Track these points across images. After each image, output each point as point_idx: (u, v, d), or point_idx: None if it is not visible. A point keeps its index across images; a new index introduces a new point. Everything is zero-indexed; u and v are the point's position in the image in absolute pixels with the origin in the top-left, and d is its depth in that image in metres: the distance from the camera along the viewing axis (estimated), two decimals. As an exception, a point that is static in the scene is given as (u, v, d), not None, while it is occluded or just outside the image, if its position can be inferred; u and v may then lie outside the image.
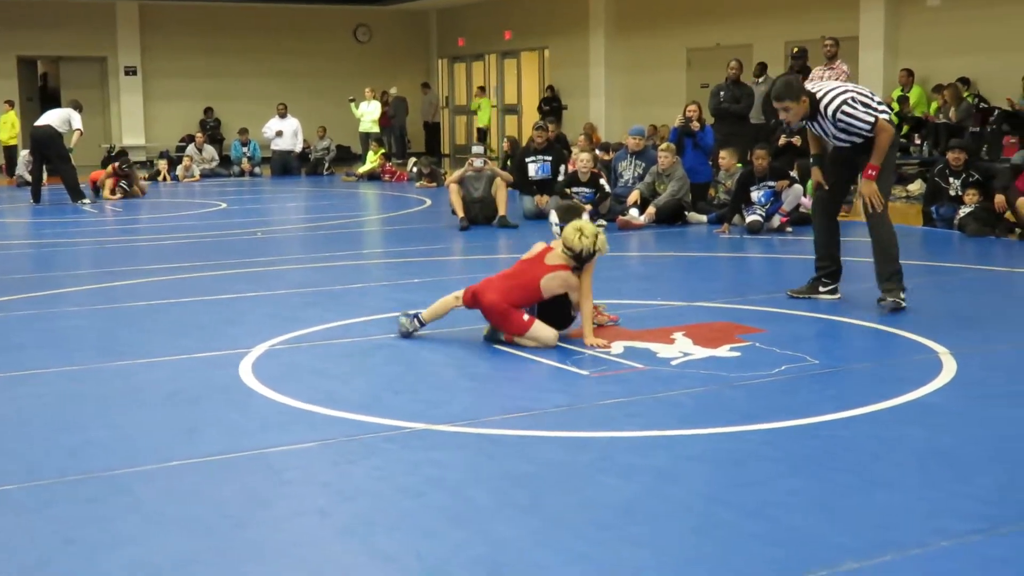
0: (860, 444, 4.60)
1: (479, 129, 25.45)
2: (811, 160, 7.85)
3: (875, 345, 6.60)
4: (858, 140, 7.29)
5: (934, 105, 16.44)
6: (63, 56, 25.97)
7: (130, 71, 26.14)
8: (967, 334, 6.63)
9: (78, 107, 17.33)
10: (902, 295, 7.22)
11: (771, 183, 11.78)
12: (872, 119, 7.14)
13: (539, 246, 6.72)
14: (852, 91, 7.27)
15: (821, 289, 7.68)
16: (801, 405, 5.16)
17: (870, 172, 7.19)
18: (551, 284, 6.42)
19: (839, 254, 7.74)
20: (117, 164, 17.90)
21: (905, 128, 16.35)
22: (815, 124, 7.35)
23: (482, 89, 26.32)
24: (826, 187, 7.66)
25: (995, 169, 12.01)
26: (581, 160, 12.73)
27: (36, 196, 16.93)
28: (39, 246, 12.43)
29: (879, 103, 7.29)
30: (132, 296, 8.39)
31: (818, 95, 7.25)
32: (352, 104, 23.57)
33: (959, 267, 9.52)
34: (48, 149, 16.60)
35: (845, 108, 7.13)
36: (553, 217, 6.79)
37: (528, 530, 3.70)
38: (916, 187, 15.21)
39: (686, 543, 3.61)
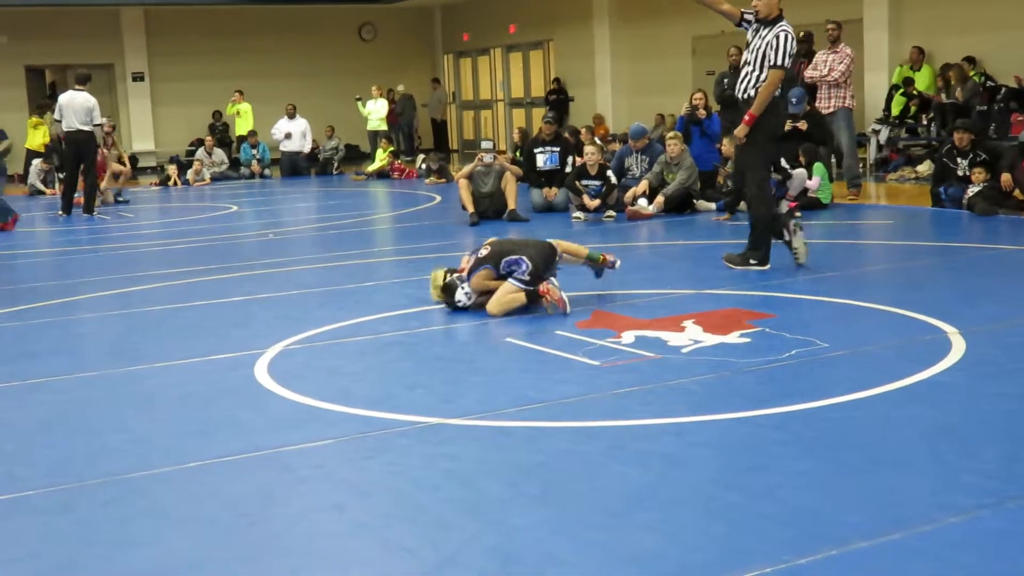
0: (869, 425, 4.64)
1: (242, 136, 23.10)
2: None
3: (884, 327, 6.63)
4: (756, 70, 7.96)
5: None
6: (70, 64, 26.01)
7: (138, 77, 26.23)
8: (976, 313, 6.66)
9: (84, 80, 15.52)
10: (752, 262, 8.19)
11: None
12: (781, 62, 7.82)
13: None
14: (793, 39, 7.94)
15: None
16: (810, 388, 5.20)
17: (745, 118, 7.95)
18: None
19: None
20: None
21: (913, 109, 16.34)
22: (761, 31, 7.96)
23: (240, 92, 23.73)
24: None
25: (1001, 148, 12.00)
26: (588, 152, 12.77)
27: (68, 207, 15.49)
28: (53, 254, 12.52)
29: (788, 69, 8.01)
30: (146, 301, 8.47)
31: (783, 18, 7.99)
32: (359, 103, 23.65)
33: (968, 247, 9.53)
34: (85, 155, 15.30)
35: (787, 34, 7.85)
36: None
37: (540, 519, 3.75)
38: (925, 168, 15.20)
39: (696, 527, 3.65)
